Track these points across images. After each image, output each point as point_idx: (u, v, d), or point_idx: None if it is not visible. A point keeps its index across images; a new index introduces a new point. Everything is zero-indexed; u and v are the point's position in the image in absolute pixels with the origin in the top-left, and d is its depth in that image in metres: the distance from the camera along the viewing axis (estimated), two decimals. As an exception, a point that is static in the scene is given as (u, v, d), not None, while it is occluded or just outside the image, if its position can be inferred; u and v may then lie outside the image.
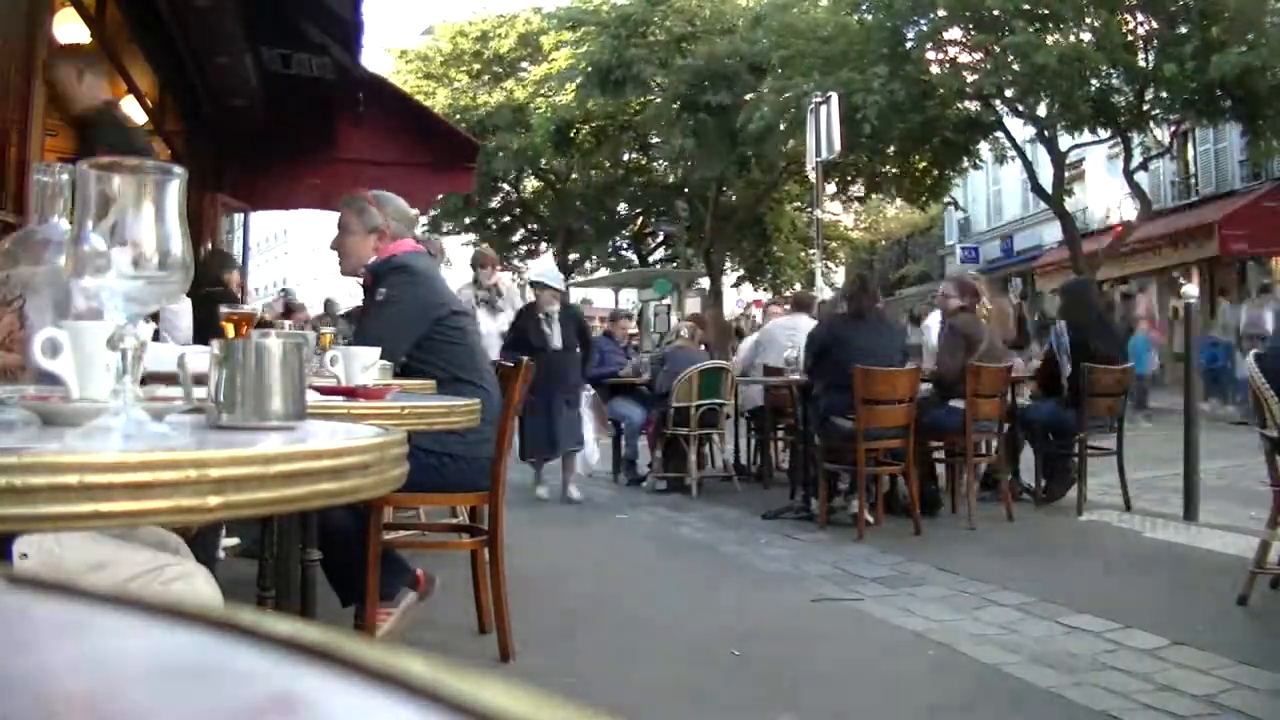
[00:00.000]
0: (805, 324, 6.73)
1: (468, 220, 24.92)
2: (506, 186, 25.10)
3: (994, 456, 5.49)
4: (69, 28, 4.60)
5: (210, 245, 6.29)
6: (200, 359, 1.18)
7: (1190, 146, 18.97)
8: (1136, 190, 16.36)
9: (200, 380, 1.11)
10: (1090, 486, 5.46)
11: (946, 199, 21.47)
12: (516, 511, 4.32)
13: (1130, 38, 15.17)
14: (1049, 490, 5.71)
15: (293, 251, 42.63)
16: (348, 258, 3.11)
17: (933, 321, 6.62)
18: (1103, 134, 16.58)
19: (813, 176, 12.15)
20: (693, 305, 19.51)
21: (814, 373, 5.22)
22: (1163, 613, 3.35)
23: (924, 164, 19.03)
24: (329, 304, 11.53)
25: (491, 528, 2.90)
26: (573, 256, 26.10)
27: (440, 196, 17.51)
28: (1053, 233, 21.32)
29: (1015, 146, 17.60)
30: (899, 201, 23.22)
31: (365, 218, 3.05)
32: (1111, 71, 15.15)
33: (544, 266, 9.85)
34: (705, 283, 22.12)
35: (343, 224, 3.10)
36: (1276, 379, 3.42)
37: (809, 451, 5.43)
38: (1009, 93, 16.03)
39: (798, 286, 21.85)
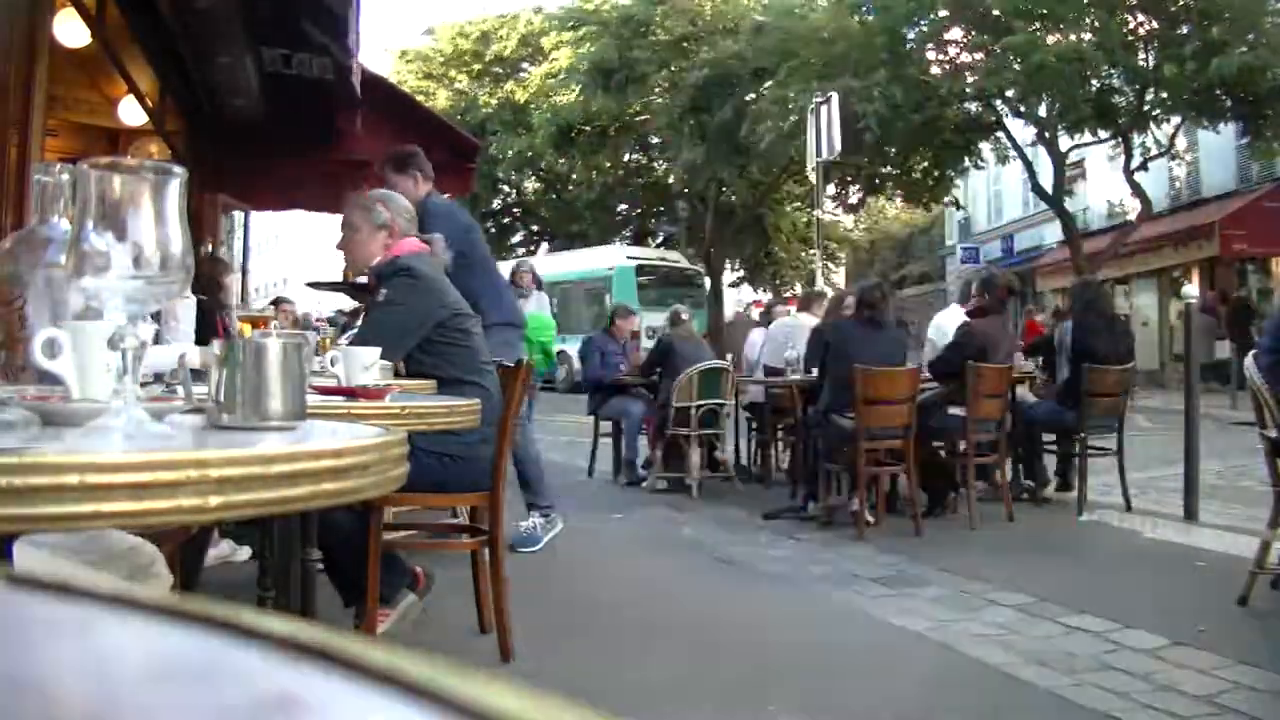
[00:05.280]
0: (806, 322, 6.73)
1: None
2: (507, 188, 25.11)
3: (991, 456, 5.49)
4: (69, 27, 4.60)
5: (210, 248, 6.30)
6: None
7: (1190, 146, 18.97)
8: (1137, 190, 16.36)
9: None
10: (1090, 486, 5.47)
11: (946, 199, 21.49)
12: (516, 512, 4.32)
13: (1130, 38, 15.17)
14: (1034, 490, 5.74)
15: (293, 251, 42.62)
16: (355, 257, 3.10)
17: (936, 331, 6.56)
18: (1103, 134, 16.59)
19: (813, 177, 12.16)
20: (692, 305, 19.55)
21: (819, 369, 5.23)
22: (1163, 613, 3.35)
23: (924, 165, 19.04)
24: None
25: (491, 528, 2.90)
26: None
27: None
28: (1053, 233, 21.34)
29: (1016, 147, 17.61)
30: (899, 201, 23.23)
31: (373, 215, 3.03)
32: (1112, 71, 15.16)
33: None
34: (705, 283, 22.14)
35: (349, 223, 3.08)
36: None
37: (810, 451, 5.43)
38: (1009, 93, 16.04)
39: (798, 287, 21.88)
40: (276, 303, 8.62)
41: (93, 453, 0.77)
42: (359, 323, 3.68)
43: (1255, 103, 14.15)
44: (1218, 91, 14.24)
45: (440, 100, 22.55)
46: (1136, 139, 16.26)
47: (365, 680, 0.24)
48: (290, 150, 6.74)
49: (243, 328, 4.74)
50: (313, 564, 2.33)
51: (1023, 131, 17.67)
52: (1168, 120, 16.03)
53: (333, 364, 1.96)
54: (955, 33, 16.25)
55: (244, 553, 3.84)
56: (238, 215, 7.95)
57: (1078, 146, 17.40)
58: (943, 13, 15.65)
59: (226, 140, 6.43)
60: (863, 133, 14.45)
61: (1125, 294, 20.35)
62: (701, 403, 6.32)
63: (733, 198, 22.13)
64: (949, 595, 3.69)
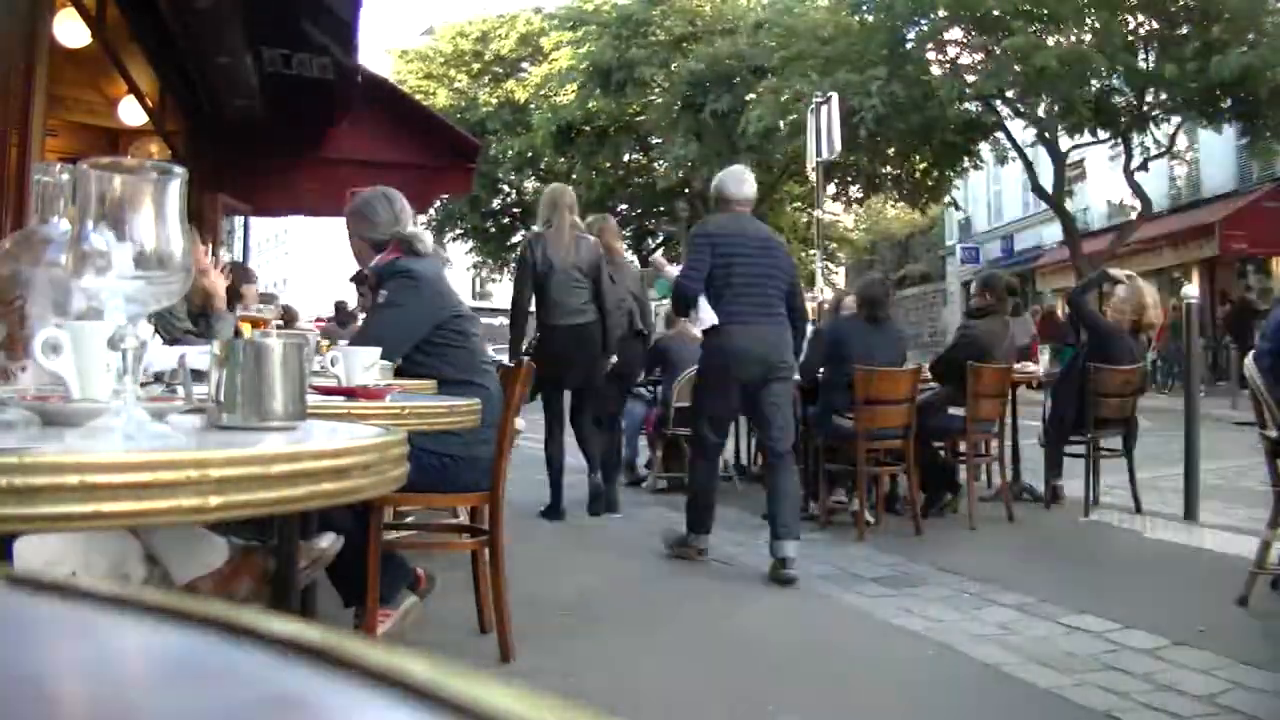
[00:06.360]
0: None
1: (464, 226, 24.94)
2: (507, 188, 25.12)
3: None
4: (69, 27, 4.61)
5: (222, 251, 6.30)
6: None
7: (1190, 146, 18.98)
8: (1137, 190, 16.36)
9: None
10: (1087, 486, 5.46)
11: (946, 199, 21.48)
12: (516, 512, 4.32)
13: (1130, 38, 15.16)
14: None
15: (293, 252, 42.64)
16: (360, 260, 3.20)
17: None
18: (1103, 134, 16.58)
19: (813, 177, 12.15)
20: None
21: (824, 371, 5.22)
22: (1163, 613, 3.35)
23: (924, 165, 19.02)
24: (340, 306, 11.60)
25: (491, 528, 2.90)
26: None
27: (445, 198, 17.54)
28: (1053, 233, 21.34)
29: (1016, 147, 17.61)
30: (899, 202, 23.23)
31: (364, 228, 3.13)
32: (1112, 72, 15.15)
33: None
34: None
35: (348, 222, 3.18)
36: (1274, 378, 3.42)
37: (809, 451, 5.43)
38: (1009, 94, 16.04)
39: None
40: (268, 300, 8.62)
41: (93, 453, 0.77)
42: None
43: (1255, 103, 14.15)
44: (1218, 91, 14.24)
45: (440, 99, 22.54)
46: (1136, 139, 16.25)
47: (365, 680, 0.24)
48: (291, 150, 6.75)
49: (243, 327, 4.75)
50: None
51: (1023, 132, 17.67)
52: (1168, 120, 16.03)
53: (333, 364, 1.96)
54: (955, 33, 16.25)
55: None
56: (238, 217, 7.95)
57: (1078, 146, 17.39)
58: (942, 13, 15.63)
59: (226, 140, 6.43)
60: (858, 127, 14.43)
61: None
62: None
63: (733, 198, 22.09)
64: (949, 595, 3.69)
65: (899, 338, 5.37)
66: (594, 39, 20.72)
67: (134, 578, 1.80)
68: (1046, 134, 16.63)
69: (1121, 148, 16.53)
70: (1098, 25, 14.90)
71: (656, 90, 20.36)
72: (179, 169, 0.89)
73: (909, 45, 16.24)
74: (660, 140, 21.29)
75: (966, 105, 16.74)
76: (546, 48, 23.26)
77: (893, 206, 27.68)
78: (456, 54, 24.67)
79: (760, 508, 5.58)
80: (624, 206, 25.30)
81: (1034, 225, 23.86)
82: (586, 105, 20.82)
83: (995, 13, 14.75)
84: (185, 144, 6.37)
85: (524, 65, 24.88)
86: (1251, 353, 3.59)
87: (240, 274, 5.15)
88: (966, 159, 18.59)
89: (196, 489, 0.75)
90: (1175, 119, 15.98)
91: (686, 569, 4.26)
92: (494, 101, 23.73)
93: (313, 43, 5.05)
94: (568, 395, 5.53)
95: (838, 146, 10.80)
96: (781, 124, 16.24)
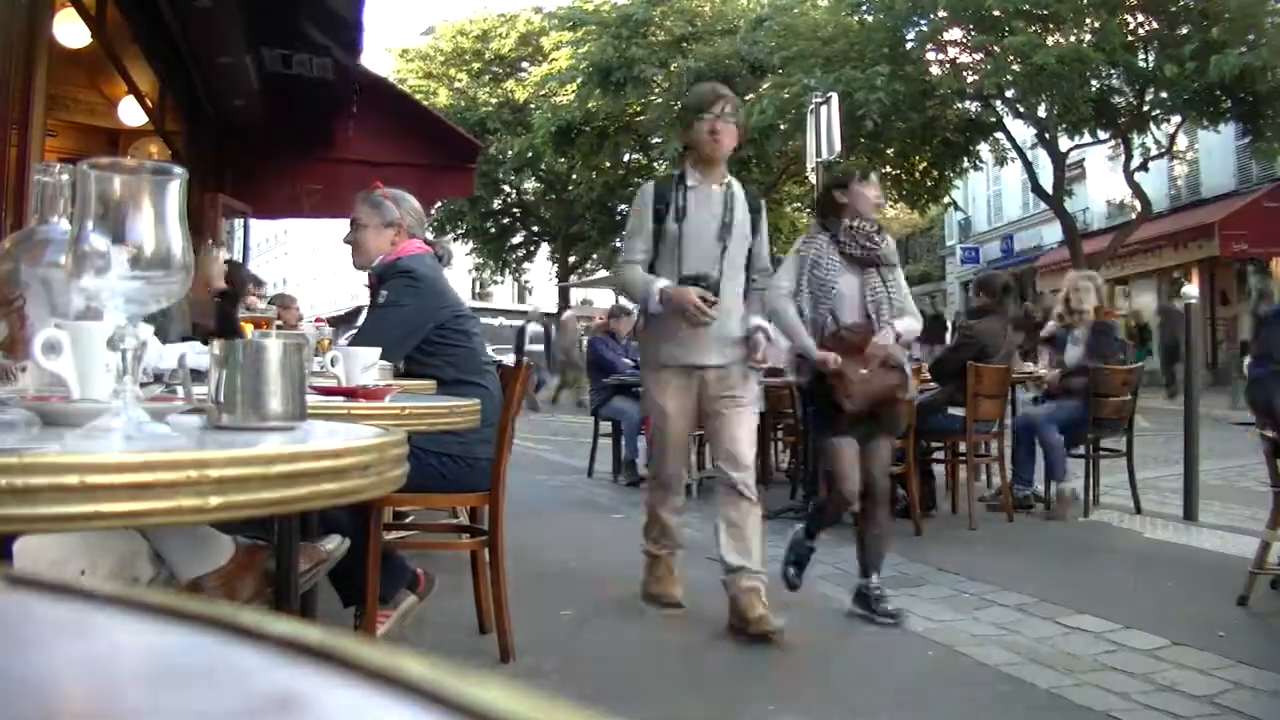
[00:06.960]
0: None
1: (464, 226, 24.95)
2: (507, 188, 25.12)
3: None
4: (69, 27, 4.60)
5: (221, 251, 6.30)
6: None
7: (1190, 146, 18.98)
8: (1137, 190, 16.36)
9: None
10: (1086, 486, 5.46)
11: (946, 199, 21.46)
12: (516, 512, 4.30)
13: (1130, 38, 15.16)
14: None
15: (293, 252, 42.66)
16: (361, 252, 3.11)
17: None
18: (1103, 134, 16.59)
19: (813, 178, 12.14)
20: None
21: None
22: (1163, 613, 3.35)
23: (924, 165, 19.01)
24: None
25: (491, 528, 2.90)
26: (573, 258, 26.13)
27: (442, 201, 17.56)
28: (1053, 233, 21.35)
29: (1016, 147, 17.61)
30: (899, 203, 23.22)
31: (381, 212, 3.06)
32: (1112, 72, 15.15)
33: None
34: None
35: (358, 219, 3.10)
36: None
37: (810, 451, 5.42)
38: (1009, 93, 16.03)
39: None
40: (279, 302, 8.62)
41: (93, 453, 0.77)
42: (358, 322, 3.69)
43: (1255, 103, 14.14)
44: (1218, 92, 14.23)
45: (441, 99, 22.55)
46: (1136, 139, 16.24)
47: (365, 680, 0.24)
48: (291, 150, 6.75)
49: (245, 327, 4.75)
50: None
51: (1023, 132, 17.67)
52: (1168, 120, 16.03)
53: (333, 364, 1.96)
54: (955, 32, 16.25)
55: None
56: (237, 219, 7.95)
57: (1078, 146, 17.39)
58: (943, 13, 15.63)
59: (227, 140, 6.43)
60: (863, 120, 14.40)
61: (1125, 294, 20.35)
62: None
63: (733, 198, 22.10)
64: (949, 595, 3.69)
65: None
66: (594, 39, 20.73)
67: (141, 578, 1.80)
68: (1046, 134, 16.62)
69: (1121, 148, 16.53)
70: (1098, 25, 14.89)
71: (656, 90, 20.36)
72: (179, 169, 0.89)
73: (909, 45, 16.23)
74: (660, 140, 21.28)
75: (966, 105, 16.73)
76: (546, 47, 23.26)
77: (893, 206, 27.64)
78: (457, 53, 24.67)
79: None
80: (624, 207, 25.29)
81: (1034, 225, 23.86)
82: (586, 105, 20.81)
83: (995, 13, 14.74)
84: (185, 144, 6.37)
85: (524, 65, 24.88)
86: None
87: (246, 278, 5.16)
88: (966, 159, 18.58)
89: (196, 489, 0.75)
90: (1175, 119, 15.98)
91: (686, 569, 4.25)
92: (494, 101, 23.74)
93: (313, 43, 5.05)
94: None
95: (838, 146, 10.78)
96: (781, 124, 16.23)
